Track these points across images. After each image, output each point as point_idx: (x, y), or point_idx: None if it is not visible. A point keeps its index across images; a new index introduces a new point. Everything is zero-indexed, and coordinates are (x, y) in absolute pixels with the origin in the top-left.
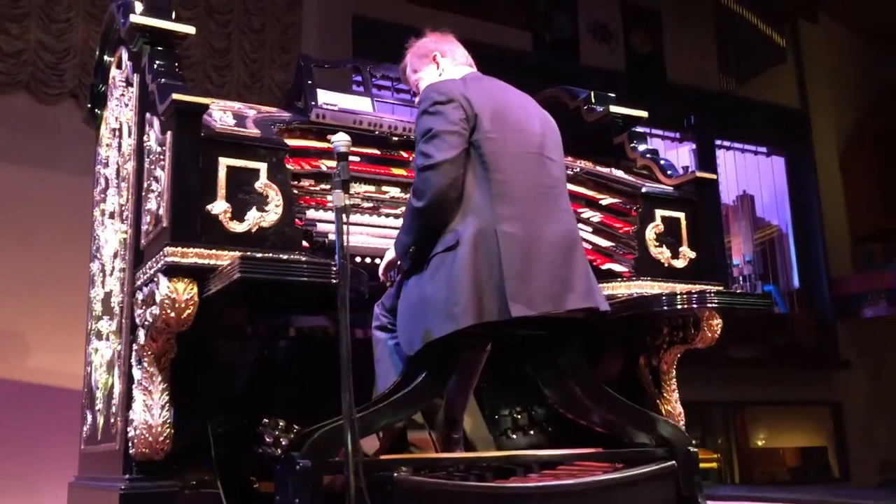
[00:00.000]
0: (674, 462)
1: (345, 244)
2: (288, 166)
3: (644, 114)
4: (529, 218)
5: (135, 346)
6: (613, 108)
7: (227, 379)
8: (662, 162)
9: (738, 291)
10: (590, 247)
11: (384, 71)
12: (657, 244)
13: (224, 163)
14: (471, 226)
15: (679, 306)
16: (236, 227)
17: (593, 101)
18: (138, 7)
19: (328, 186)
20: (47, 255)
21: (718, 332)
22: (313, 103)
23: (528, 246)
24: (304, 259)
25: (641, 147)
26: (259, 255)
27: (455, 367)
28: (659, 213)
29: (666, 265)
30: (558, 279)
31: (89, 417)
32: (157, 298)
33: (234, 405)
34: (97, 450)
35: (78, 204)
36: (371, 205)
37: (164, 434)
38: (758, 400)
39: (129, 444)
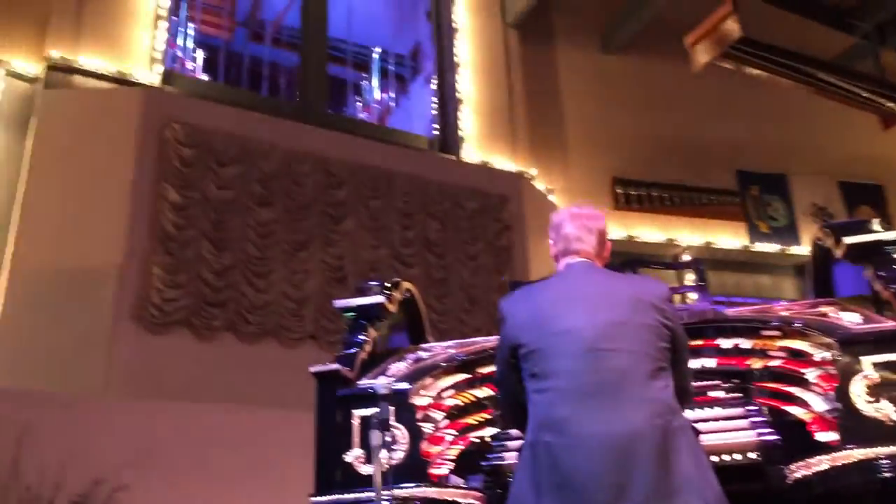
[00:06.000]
0: None
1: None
2: (413, 402)
3: (893, 235)
4: (574, 422)
5: None
6: (848, 239)
7: None
8: None
9: None
10: (815, 414)
11: None
12: (871, 399)
13: (357, 414)
14: (528, 436)
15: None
16: (368, 470)
17: (840, 233)
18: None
19: None
20: (286, 492)
21: None
22: None
23: (570, 455)
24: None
25: (886, 275)
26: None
27: None
28: (867, 360)
29: (889, 424)
30: (608, 488)
31: None
32: None
33: None
34: None
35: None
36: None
37: None
38: None
39: None
